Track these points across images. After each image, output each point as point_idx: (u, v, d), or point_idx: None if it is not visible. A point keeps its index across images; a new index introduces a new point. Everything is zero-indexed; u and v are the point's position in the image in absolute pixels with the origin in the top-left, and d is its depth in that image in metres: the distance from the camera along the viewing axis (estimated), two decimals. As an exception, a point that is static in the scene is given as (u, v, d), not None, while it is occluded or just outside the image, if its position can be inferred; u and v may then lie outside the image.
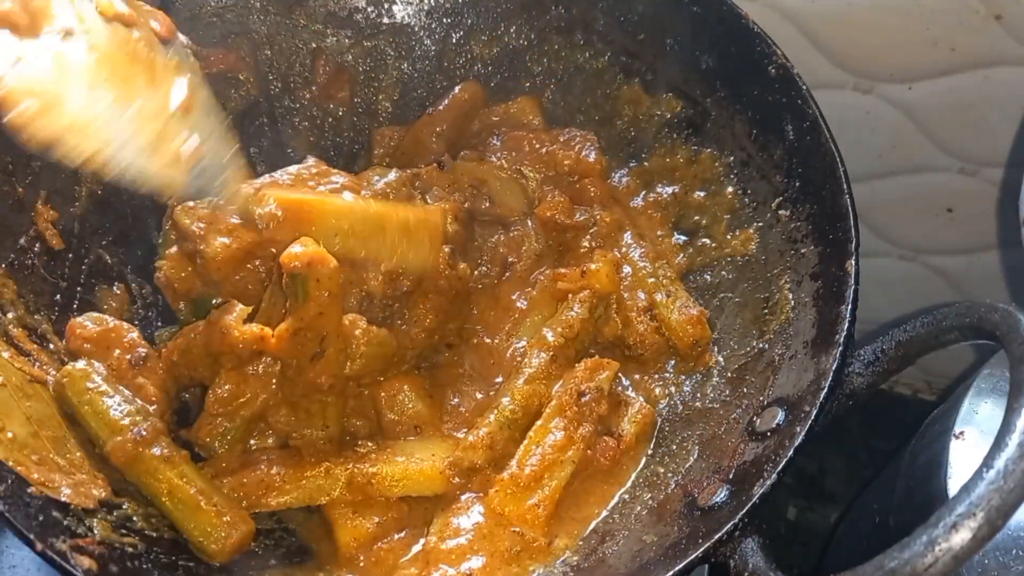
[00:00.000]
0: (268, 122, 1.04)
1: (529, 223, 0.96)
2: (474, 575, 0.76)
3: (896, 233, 1.31)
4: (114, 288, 0.92)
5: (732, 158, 0.94)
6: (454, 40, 1.07)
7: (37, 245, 0.86)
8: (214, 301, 0.86)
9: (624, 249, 0.95)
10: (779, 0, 1.07)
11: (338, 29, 1.05)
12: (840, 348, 0.73)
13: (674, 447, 0.84)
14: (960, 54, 1.08)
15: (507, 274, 0.95)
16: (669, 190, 1.00)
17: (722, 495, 0.72)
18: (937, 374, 1.49)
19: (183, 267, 0.87)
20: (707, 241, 0.96)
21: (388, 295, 0.85)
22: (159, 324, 0.93)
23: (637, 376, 0.91)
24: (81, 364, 0.79)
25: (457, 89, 1.04)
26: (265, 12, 1.02)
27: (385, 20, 1.06)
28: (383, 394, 0.86)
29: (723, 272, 0.94)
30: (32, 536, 0.64)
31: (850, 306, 0.75)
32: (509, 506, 0.79)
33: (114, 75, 0.79)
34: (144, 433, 0.75)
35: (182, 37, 0.89)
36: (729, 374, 0.86)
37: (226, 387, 0.81)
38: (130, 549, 0.70)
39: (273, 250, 0.81)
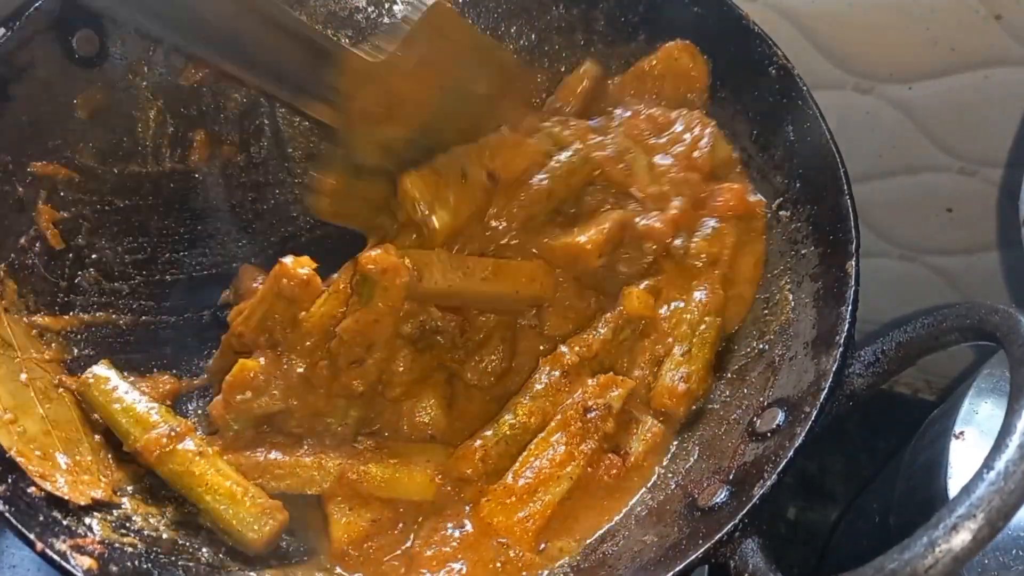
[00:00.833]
0: (268, 122, 1.04)
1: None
2: None
3: (896, 233, 1.31)
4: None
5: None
6: (454, 40, 1.07)
7: (37, 245, 0.86)
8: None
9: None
10: (779, 0, 1.07)
11: (339, 29, 1.05)
12: (840, 349, 0.73)
13: (674, 448, 0.84)
14: (960, 54, 1.08)
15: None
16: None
17: (722, 496, 0.72)
18: (937, 374, 1.48)
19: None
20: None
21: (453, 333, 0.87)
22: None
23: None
24: (103, 367, 0.81)
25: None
26: (265, 12, 1.02)
27: (386, 20, 1.06)
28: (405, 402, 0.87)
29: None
30: (32, 536, 0.64)
31: (850, 307, 0.75)
32: (498, 517, 0.78)
33: None
34: (178, 428, 0.77)
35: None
36: (729, 375, 0.86)
37: (252, 370, 0.82)
38: (130, 549, 0.70)
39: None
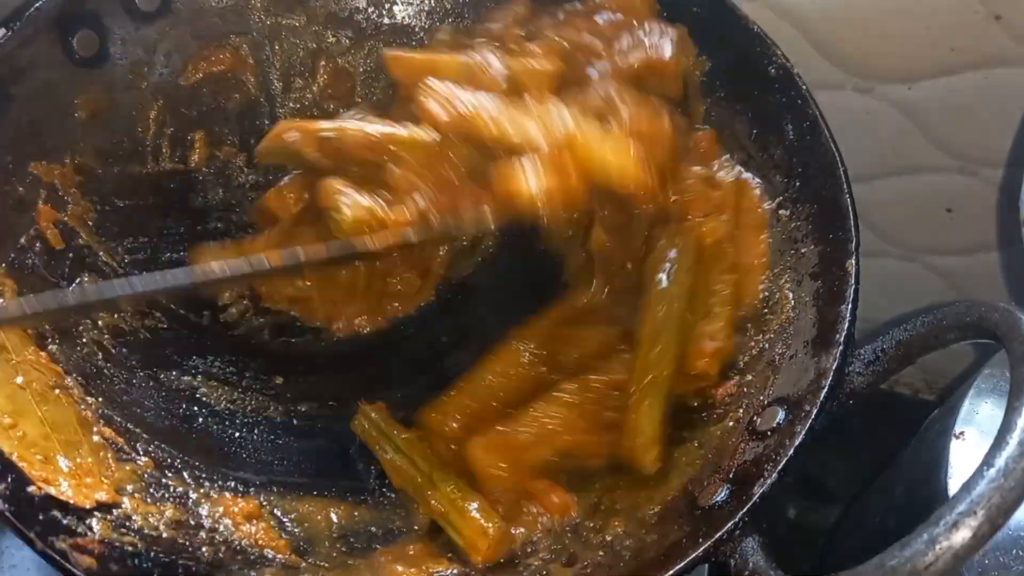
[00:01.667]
0: (269, 122, 1.04)
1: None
2: None
3: (896, 233, 1.31)
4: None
5: (732, 158, 0.94)
6: (454, 40, 1.07)
7: (38, 245, 0.86)
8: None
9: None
10: (779, 0, 1.07)
11: (339, 29, 1.05)
12: (840, 347, 0.74)
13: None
14: (960, 54, 1.08)
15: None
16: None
17: (722, 494, 0.72)
18: (937, 374, 1.48)
19: None
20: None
21: None
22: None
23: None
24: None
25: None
26: (266, 12, 1.02)
27: (386, 20, 1.06)
28: None
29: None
30: (32, 535, 0.64)
31: (850, 305, 0.75)
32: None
33: None
34: None
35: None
36: (729, 373, 0.86)
37: None
38: (130, 548, 0.70)
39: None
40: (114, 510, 0.72)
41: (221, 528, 0.80)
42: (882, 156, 1.21)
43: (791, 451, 0.70)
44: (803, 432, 0.71)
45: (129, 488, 0.76)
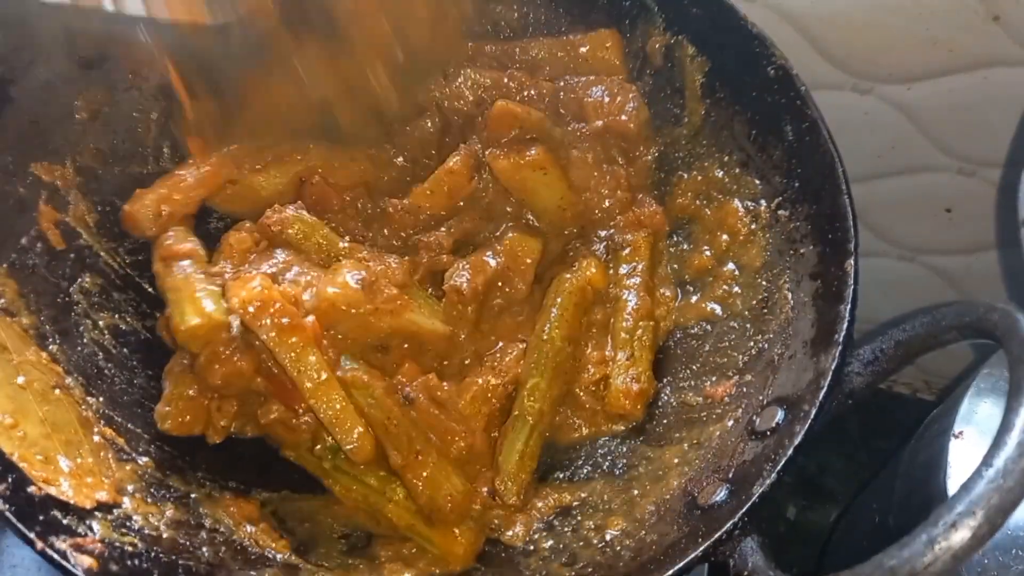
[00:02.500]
0: (268, 122, 1.04)
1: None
2: None
3: (895, 233, 1.31)
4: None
5: (731, 159, 0.94)
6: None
7: (39, 245, 0.86)
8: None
9: (622, 291, 0.93)
10: (779, 1, 1.07)
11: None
12: (839, 347, 0.74)
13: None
14: (959, 54, 1.08)
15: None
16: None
17: (722, 494, 0.73)
18: (936, 374, 1.49)
19: None
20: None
21: None
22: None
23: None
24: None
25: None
26: (265, 13, 1.02)
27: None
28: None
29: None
30: (33, 536, 0.64)
31: (849, 306, 0.75)
32: None
33: None
34: None
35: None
36: (729, 373, 0.86)
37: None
38: (130, 548, 0.70)
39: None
40: (114, 510, 0.72)
41: (222, 528, 0.80)
42: (882, 156, 1.21)
43: (790, 451, 0.70)
44: (802, 432, 0.71)
45: (130, 488, 0.76)
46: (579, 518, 0.84)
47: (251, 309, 0.81)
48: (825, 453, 1.49)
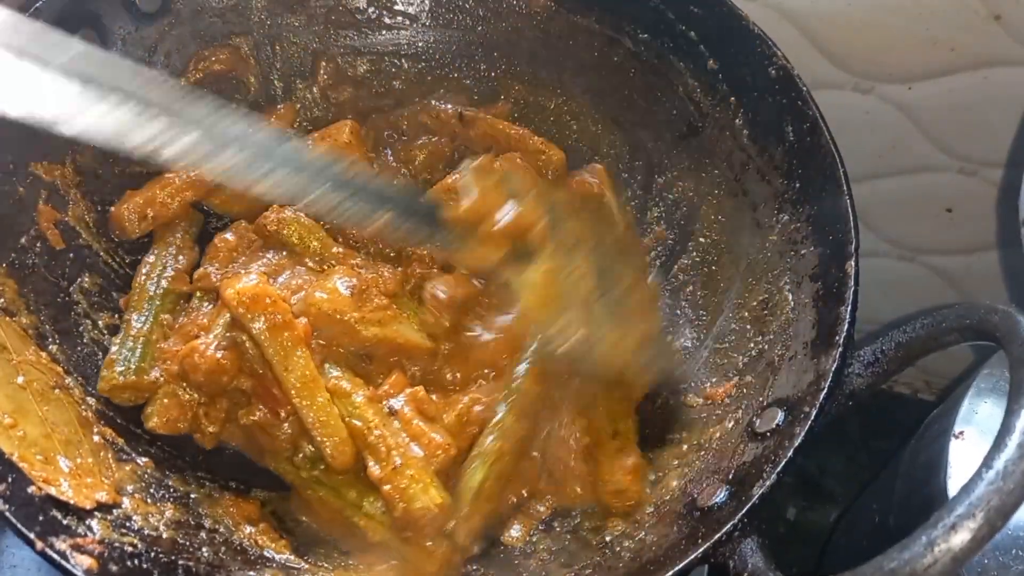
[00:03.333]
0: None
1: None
2: None
3: (896, 233, 1.31)
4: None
5: (731, 159, 0.94)
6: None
7: (38, 245, 0.86)
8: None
9: None
10: (779, 0, 1.07)
11: (339, 29, 1.05)
12: (840, 349, 0.73)
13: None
14: (960, 54, 1.08)
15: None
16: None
17: (722, 495, 0.72)
18: (937, 374, 1.49)
19: None
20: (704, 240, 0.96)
21: None
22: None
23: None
24: None
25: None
26: (266, 12, 1.02)
27: (386, 20, 1.06)
28: None
29: (723, 273, 0.94)
30: (32, 536, 0.64)
31: (850, 307, 0.75)
32: None
33: None
34: None
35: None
36: (729, 374, 0.86)
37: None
38: (130, 548, 0.70)
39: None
40: (114, 510, 0.72)
41: (221, 528, 0.80)
42: (882, 156, 1.21)
43: (790, 452, 0.70)
44: (802, 433, 0.71)
45: (129, 488, 0.76)
46: (578, 519, 0.84)
47: (245, 301, 0.81)
48: (825, 454, 1.48)
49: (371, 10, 1.05)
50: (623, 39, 1.00)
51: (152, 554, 0.71)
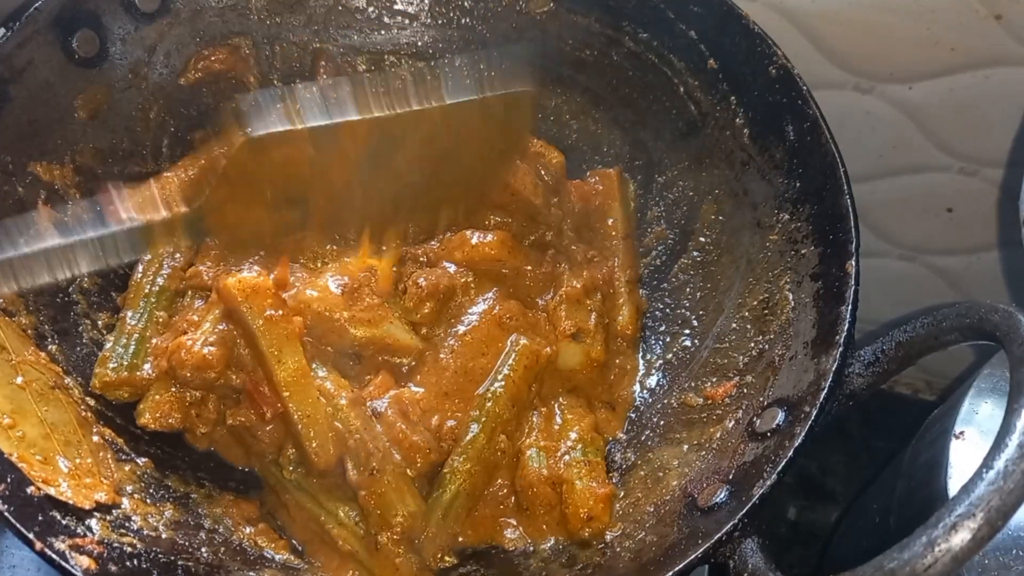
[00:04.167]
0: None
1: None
2: None
3: (896, 233, 1.31)
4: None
5: (732, 159, 0.94)
6: (454, 40, 1.07)
7: (38, 245, 0.86)
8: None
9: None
10: (779, 0, 1.07)
11: (339, 29, 1.05)
12: (840, 349, 0.73)
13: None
14: (960, 54, 1.08)
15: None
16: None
17: (722, 495, 0.72)
18: (937, 374, 1.48)
19: None
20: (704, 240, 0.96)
21: None
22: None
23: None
24: None
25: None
26: (266, 12, 1.02)
27: (386, 19, 1.06)
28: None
29: (723, 272, 0.94)
30: (32, 536, 0.64)
31: (850, 306, 0.75)
32: None
33: None
34: None
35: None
36: (729, 374, 0.86)
37: None
38: (129, 549, 0.70)
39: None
40: (113, 510, 0.72)
41: (221, 528, 0.80)
42: (882, 156, 1.21)
43: (791, 452, 0.70)
44: (803, 433, 0.70)
45: (129, 488, 0.77)
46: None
47: (247, 293, 0.81)
48: (826, 454, 1.48)
49: (371, 9, 1.05)
50: (623, 38, 1.00)
51: (151, 554, 0.71)
